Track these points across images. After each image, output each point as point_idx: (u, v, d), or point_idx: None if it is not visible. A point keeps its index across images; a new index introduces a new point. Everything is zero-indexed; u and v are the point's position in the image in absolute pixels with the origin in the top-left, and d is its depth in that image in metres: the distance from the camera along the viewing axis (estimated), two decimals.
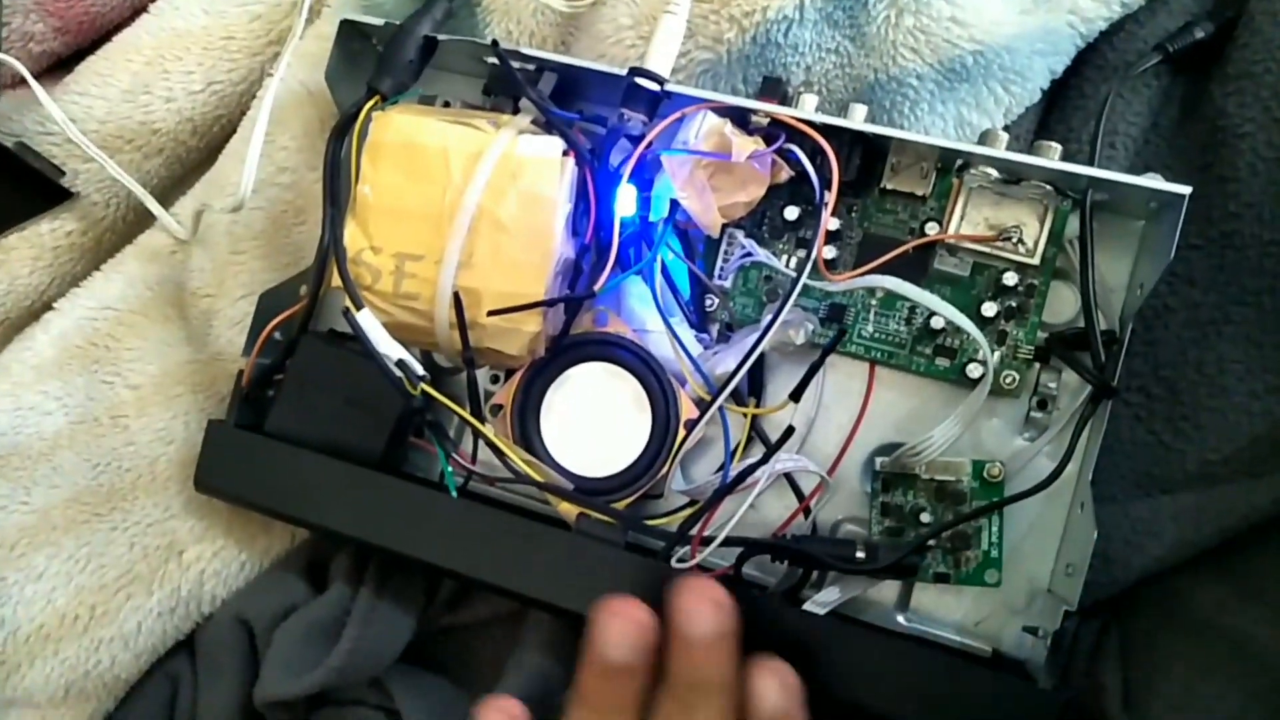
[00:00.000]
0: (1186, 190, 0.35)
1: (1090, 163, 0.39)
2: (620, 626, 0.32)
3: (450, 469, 0.39)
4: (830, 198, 0.36)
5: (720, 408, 0.37)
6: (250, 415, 0.42)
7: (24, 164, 0.46)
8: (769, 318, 0.36)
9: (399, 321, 0.39)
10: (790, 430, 0.35)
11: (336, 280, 0.39)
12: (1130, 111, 0.42)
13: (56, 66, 0.51)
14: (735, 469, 0.37)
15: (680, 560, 0.36)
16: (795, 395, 0.37)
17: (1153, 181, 0.36)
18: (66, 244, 0.48)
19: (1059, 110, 0.43)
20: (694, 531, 0.36)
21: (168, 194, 0.49)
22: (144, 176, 0.48)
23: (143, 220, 0.49)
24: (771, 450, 0.35)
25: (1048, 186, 0.38)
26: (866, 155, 0.39)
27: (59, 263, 0.48)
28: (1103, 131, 0.40)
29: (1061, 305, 0.40)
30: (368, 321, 0.38)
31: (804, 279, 0.36)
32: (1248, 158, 0.40)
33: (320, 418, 0.41)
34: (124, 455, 0.44)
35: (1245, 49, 0.41)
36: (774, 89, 0.40)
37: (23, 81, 0.46)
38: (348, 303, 0.38)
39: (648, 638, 0.33)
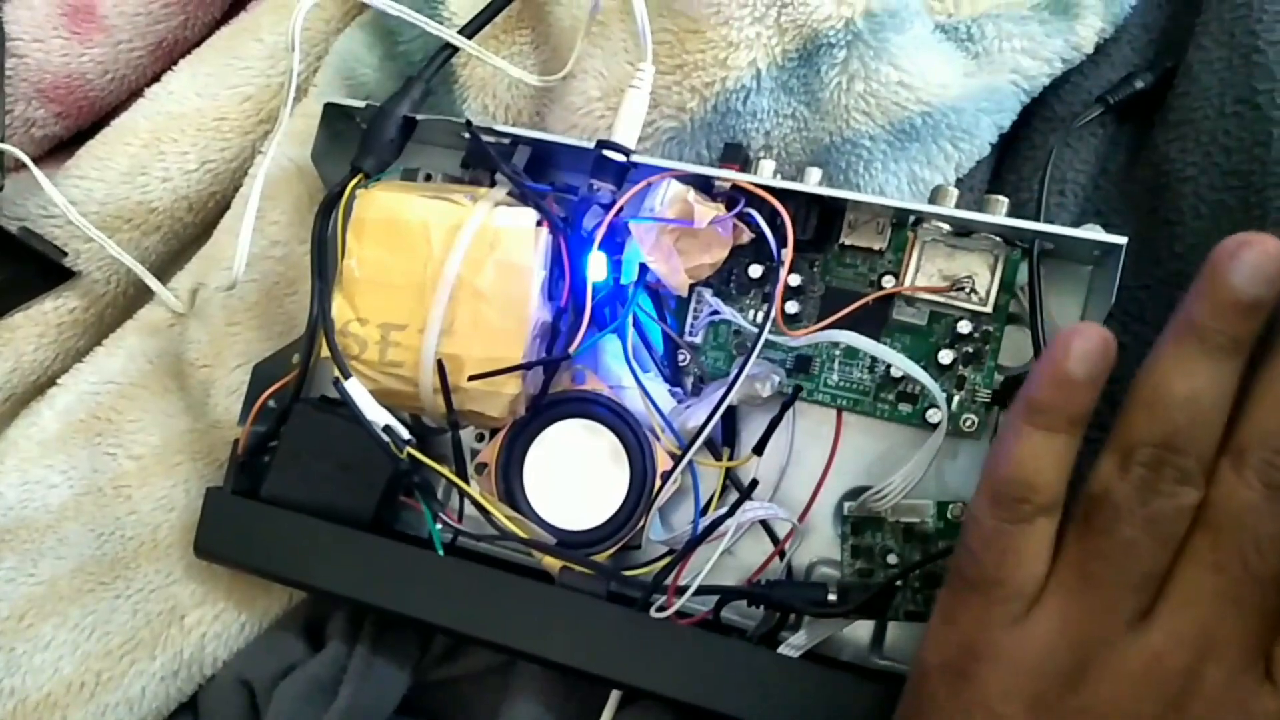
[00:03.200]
0: (1123, 240, 0.37)
1: (1037, 214, 0.41)
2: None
3: (438, 528, 0.41)
4: (787, 258, 0.38)
5: (690, 460, 0.38)
6: (247, 481, 0.44)
7: (27, 246, 0.49)
8: (735, 372, 0.38)
9: (385, 388, 0.41)
10: (754, 483, 0.37)
11: (326, 351, 0.41)
12: (1078, 160, 0.44)
13: (57, 149, 0.54)
14: (708, 519, 0.38)
15: (659, 609, 0.38)
16: (759, 449, 0.38)
17: (1091, 233, 0.38)
18: (69, 320, 0.50)
19: (1010, 161, 0.45)
20: (669, 581, 0.38)
21: (165, 269, 0.51)
22: (142, 254, 0.50)
23: (142, 295, 0.51)
24: (738, 502, 0.37)
25: (997, 238, 0.40)
26: (825, 213, 0.41)
27: (62, 339, 0.50)
28: (1049, 181, 0.42)
29: (1017, 349, 0.41)
30: (355, 390, 0.40)
31: (765, 335, 0.38)
32: (1190, 201, 0.42)
33: (313, 482, 0.43)
34: (127, 524, 0.46)
35: (1184, 97, 0.43)
36: (735, 154, 0.43)
37: (24, 166, 0.48)
38: (336, 372, 0.40)
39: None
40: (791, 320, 0.42)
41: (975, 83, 0.42)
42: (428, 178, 0.48)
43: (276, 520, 0.42)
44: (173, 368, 0.49)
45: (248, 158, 0.51)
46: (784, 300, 0.39)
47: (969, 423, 0.40)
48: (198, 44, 0.52)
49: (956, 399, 0.39)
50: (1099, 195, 0.45)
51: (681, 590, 0.37)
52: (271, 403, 0.45)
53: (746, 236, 0.41)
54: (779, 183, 0.40)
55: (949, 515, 0.40)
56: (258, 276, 0.48)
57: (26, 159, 0.48)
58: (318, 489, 0.42)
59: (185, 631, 0.45)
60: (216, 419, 0.47)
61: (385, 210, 0.41)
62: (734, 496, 0.42)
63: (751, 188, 0.40)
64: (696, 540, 0.38)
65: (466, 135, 0.44)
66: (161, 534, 0.46)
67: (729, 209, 0.40)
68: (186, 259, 0.51)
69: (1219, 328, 0.31)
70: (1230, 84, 0.42)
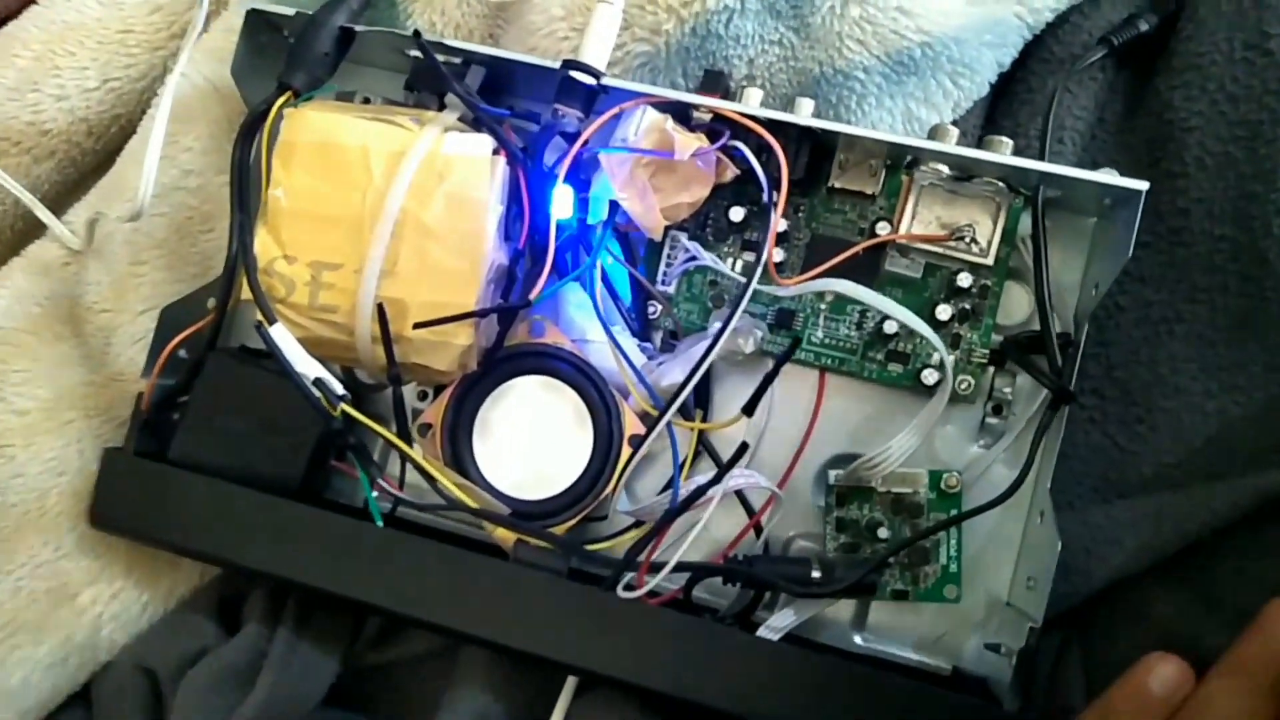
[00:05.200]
0: (1144, 186, 0.34)
1: (1040, 158, 0.38)
2: None
3: (374, 496, 0.36)
4: (780, 198, 0.34)
5: (667, 421, 0.34)
6: (152, 442, 0.39)
7: None
8: (717, 326, 0.34)
9: (316, 336, 0.36)
10: (744, 447, 0.33)
11: (247, 292, 0.36)
12: (1077, 106, 0.41)
13: None
14: (688, 488, 0.34)
15: (627, 588, 0.34)
16: (748, 409, 0.34)
17: (1108, 177, 0.34)
18: None
19: (1005, 105, 0.42)
20: (642, 557, 0.33)
21: (60, 201, 0.45)
22: (34, 182, 0.44)
23: (32, 230, 0.45)
24: (725, 468, 0.33)
25: (999, 184, 0.37)
26: (813, 153, 0.37)
27: None
28: (1051, 126, 0.39)
29: (1014, 306, 0.38)
30: (282, 337, 0.35)
31: (754, 284, 0.33)
32: (1195, 152, 0.39)
33: (231, 443, 0.37)
34: (9, 489, 0.40)
35: (1189, 41, 0.40)
36: (715, 83, 0.38)
37: None
38: (260, 317, 0.35)
39: None
40: (776, 270, 0.37)
41: (979, 12, 0.39)
42: (365, 101, 0.42)
43: (186, 486, 0.37)
44: (66, 312, 0.43)
45: (157, 77, 0.45)
46: (774, 245, 0.35)
47: (964, 385, 0.37)
48: None
49: (950, 359, 0.36)
50: (1095, 145, 0.42)
51: (656, 568, 0.33)
52: (182, 352, 0.40)
53: (730, 173, 0.37)
54: (770, 112, 0.36)
55: (942, 486, 0.36)
56: (167, 210, 0.43)
57: None
58: (236, 450, 0.37)
59: (77, 613, 0.39)
60: (117, 370, 0.41)
61: (318, 132, 0.36)
62: (707, 462, 0.38)
63: (740, 118, 0.35)
64: (676, 511, 0.34)
65: (413, 53, 0.39)
66: (50, 501, 0.40)
67: (711, 142, 0.36)
68: (85, 190, 0.45)
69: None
70: (1239, 28, 0.39)
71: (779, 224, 0.37)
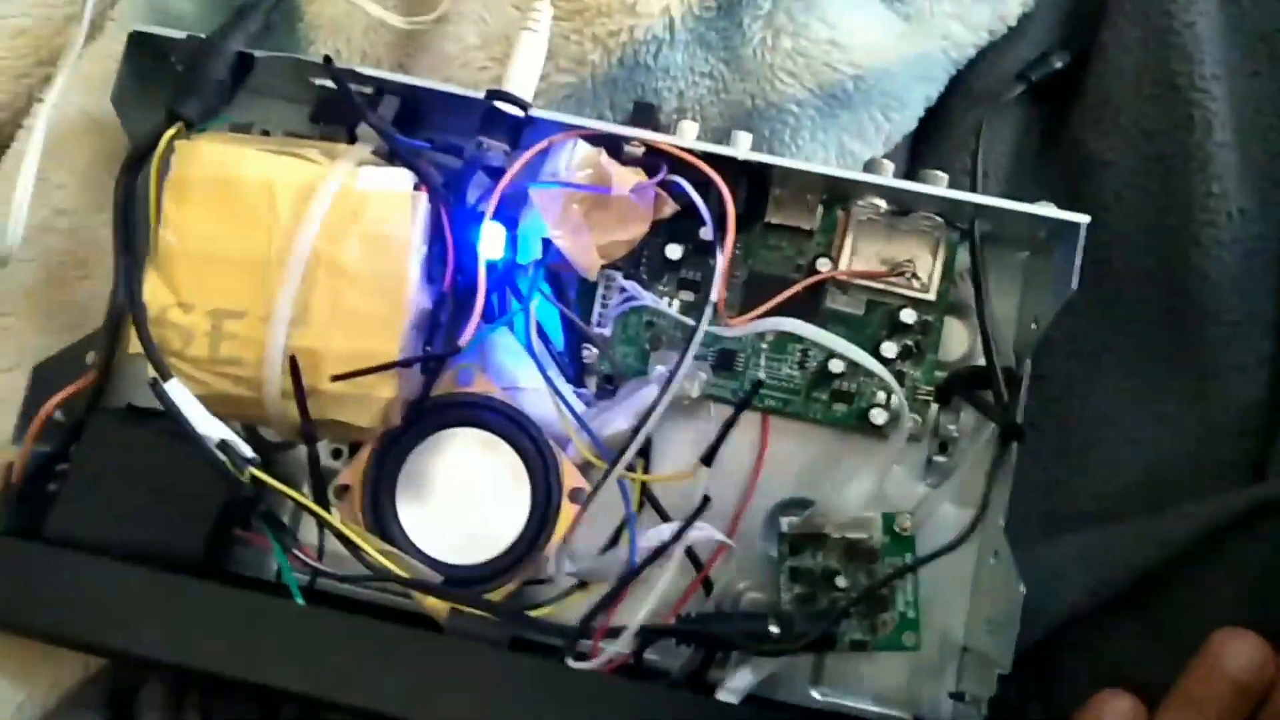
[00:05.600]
0: (1084, 219, 0.34)
1: (973, 191, 0.37)
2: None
3: (290, 570, 0.33)
4: (728, 234, 0.33)
5: (618, 475, 0.32)
6: (25, 517, 0.34)
7: None
8: (659, 369, 0.32)
9: (218, 392, 0.32)
10: (706, 500, 0.31)
11: (135, 345, 0.32)
12: (998, 140, 0.41)
13: None
14: (647, 547, 0.32)
15: (578, 657, 0.31)
16: (707, 459, 0.32)
17: (1049, 210, 0.34)
18: None
19: (927, 139, 0.42)
20: (596, 624, 0.31)
21: None
22: None
23: None
24: (687, 523, 0.31)
25: (936, 218, 0.36)
26: (749, 188, 0.36)
27: None
28: (981, 160, 0.39)
29: (953, 342, 0.38)
30: (179, 394, 0.31)
31: (704, 326, 0.32)
32: (1113, 186, 0.40)
33: (119, 515, 0.33)
34: None
35: (1101, 78, 0.41)
36: (646, 116, 0.37)
37: None
38: (152, 372, 0.31)
39: None
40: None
41: (908, 47, 0.39)
42: (265, 134, 0.39)
43: (66, 566, 0.33)
44: None
45: (22, 108, 0.41)
46: (725, 286, 0.33)
47: (911, 424, 0.36)
48: None
49: (904, 399, 0.35)
50: (1015, 180, 0.42)
51: (613, 633, 0.31)
52: (58, 414, 0.35)
53: (669, 209, 0.35)
54: (710, 147, 0.34)
55: (895, 529, 0.35)
56: (36, 254, 0.38)
57: None
58: (125, 524, 0.33)
59: None
60: None
61: (215, 166, 0.33)
62: (649, 514, 0.36)
63: (678, 152, 0.34)
64: (634, 572, 0.31)
65: (319, 81, 0.36)
66: None
67: (648, 177, 0.34)
68: None
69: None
70: (1147, 65, 0.40)
71: (722, 260, 0.35)
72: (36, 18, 0.41)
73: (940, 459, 0.37)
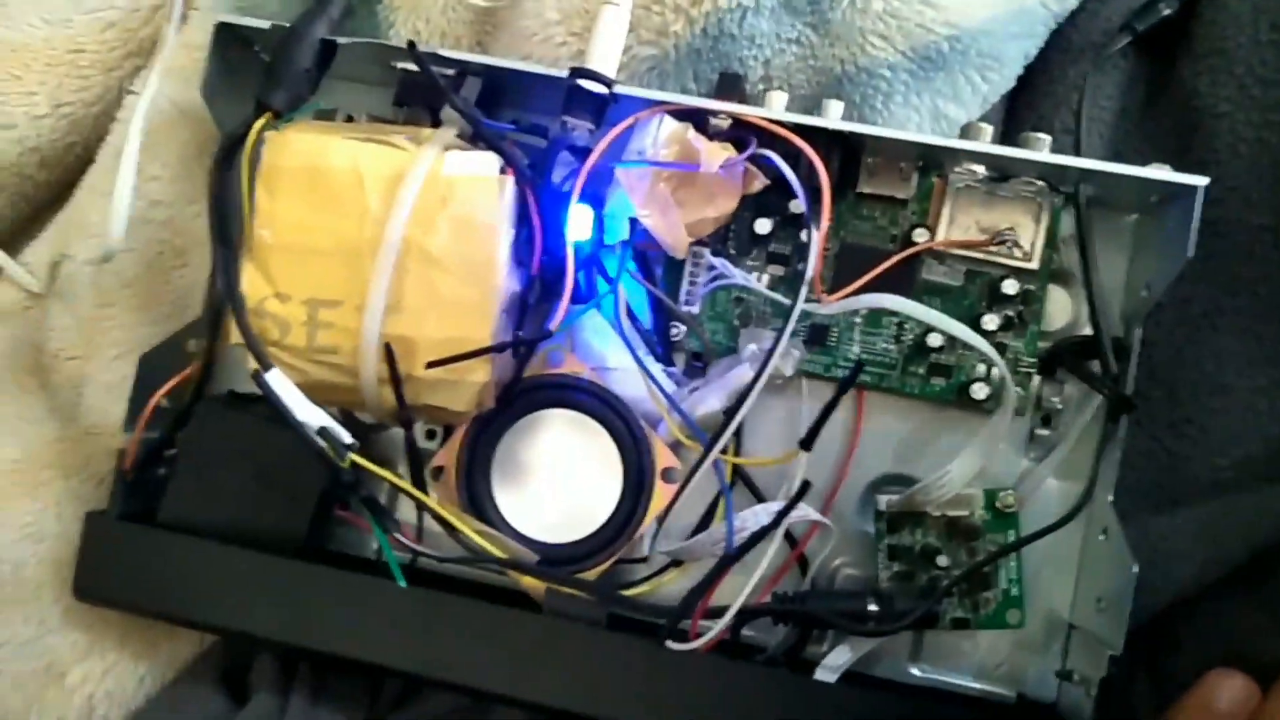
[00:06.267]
0: (1203, 181, 0.32)
1: (1075, 153, 0.36)
2: None
3: (391, 551, 0.33)
4: (824, 208, 0.32)
5: (715, 458, 0.32)
6: (138, 502, 0.35)
7: None
8: (750, 347, 0.32)
9: (316, 380, 0.32)
10: (806, 486, 0.31)
11: (235, 335, 0.32)
12: (1101, 96, 0.39)
13: None
14: (745, 529, 0.32)
15: (675, 637, 0.31)
16: (806, 443, 0.32)
17: (1163, 173, 0.32)
18: None
19: (1025, 99, 0.40)
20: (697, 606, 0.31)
21: (15, 239, 0.42)
22: None
23: None
24: (788, 507, 0.31)
25: (1039, 183, 0.35)
26: (842, 158, 0.35)
27: None
28: (1084, 118, 0.37)
29: (1056, 311, 0.36)
30: (279, 383, 0.32)
31: (800, 304, 0.31)
32: (1227, 139, 0.37)
33: (226, 499, 0.34)
34: None
35: (1212, 25, 0.39)
36: (732, 87, 0.36)
37: None
38: (253, 362, 0.32)
39: None
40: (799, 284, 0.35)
41: (1004, 2, 0.37)
42: (350, 119, 0.39)
43: (179, 550, 0.34)
44: (31, 361, 0.39)
45: (114, 100, 0.42)
46: (821, 261, 0.32)
47: (1015, 398, 0.35)
48: None
49: (1008, 373, 0.33)
50: (1120, 136, 0.40)
51: (711, 613, 0.31)
52: (165, 402, 0.36)
53: (759, 184, 0.34)
54: (800, 117, 0.33)
55: (998, 505, 0.34)
56: (136, 245, 0.39)
57: None
58: (232, 508, 0.34)
59: (68, 692, 0.36)
60: (92, 424, 0.38)
61: (305, 156, 0.33)
62: (742, 494, 0.35)
63: (767, 124, 0.33)
64: (734, 556, 0.31)
65: (401, 65, 0.36)
66: (29, 572, 0.36)
67: (736, 150, 0.34)
68: (41, 226, 0.41)
69: None
70: (1263, 9, 0.38)
71: (818, 235, 0.34)
72: (124, 9, 0.42)
73: (1044, 432, 0.36)
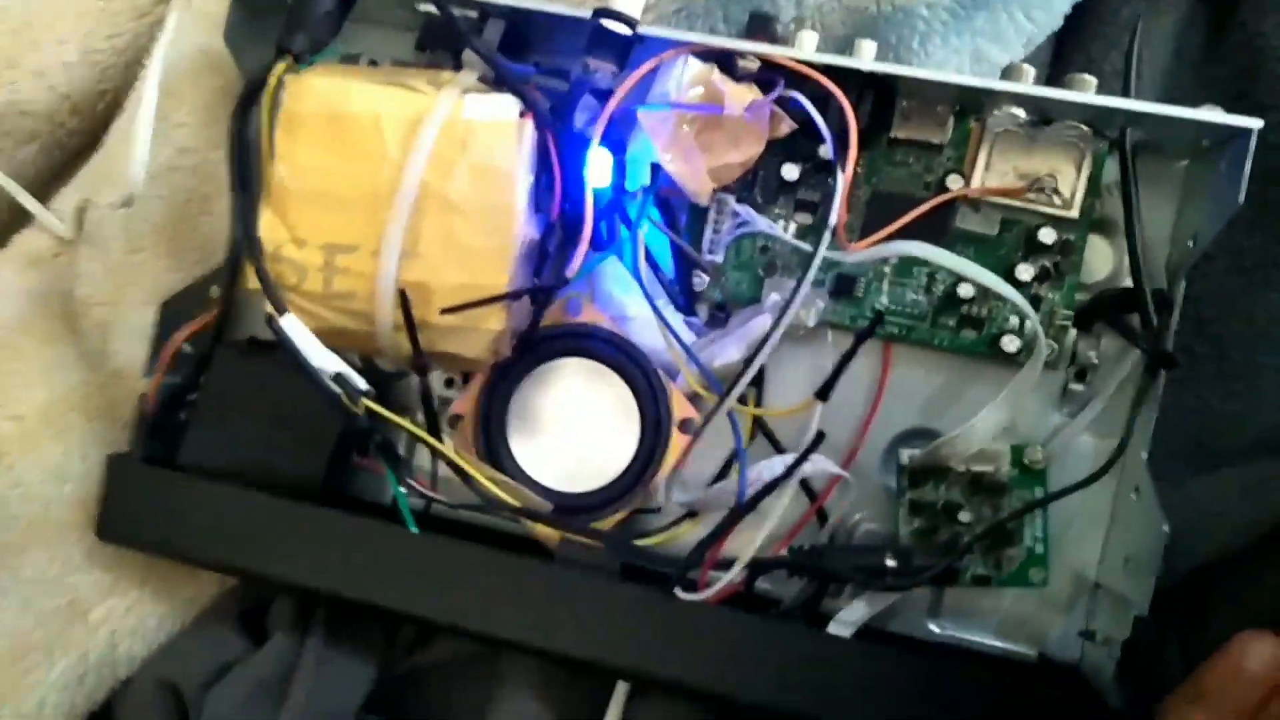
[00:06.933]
0: (1256, 124, 0.30)
1: (1125, 94, 0.34)
2: None
3: (405, 498, 0.33)
4: (850, 153, 0.31)
5: (729, 408, 0.31)
6: (160, 445, 0.36)
7: None
8: (773, 297, 0.31)
9: (332, 326, 0.32)
10: (820, 437, 0.30)
11: (253, 280, 0.32)
12: (1156, 37, 0.38)
13: None
14: (757, 480, 0.31)
15: (686, 587, 0.31)
16: (823, 393, 0.31)
17: (1214, 114, 0.31)
18: None
19: (1073, 40, 0.38)
20: (705, 556, 0.30)
21: (46, 186, 0.42)
22: (17, 167, 0.41)
23: (18, 219, 0.41)
24: (799, 459, 0.30)
25: (1082, 127, 0.33)
26: (874, 101, 0.34)
27: None
28: (1136, 60, 0.35)
29: (1097, 262, 0.35)
30: (295, 328, 0.32)
31: (822, 252, 0.30)
32: None
33: (245, 443, 0.35)
34: (10, 500, 0.37)
35: None
36: (762, 28, 0.35)
37: None
38: (269, 307, 0.32)
39: None
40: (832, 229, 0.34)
41: None
42: (372, 64, 0.39)
43: (199, 492, 0.34)
44: (59, 307, 0.40)
45: (144, 46, 0.42)
46: (845, 209, 0.31)
47: (1048, 351, 0.33)
48: None
49: (1040, 327, 0.32)
50: (1173, 80, 0.38)
51: (721, 565, 0.30)
52: (187, 347, 0.37)
53: (786, 127, 0.33)
54: (829, 58, 0.32)
55: (1025, 461, 0.33)
56: (163, 192, 0.39)
57: None
58: (250, 451, 0.34)
59: (91, 629, 0.37)
60: (117, 368, 0.38)
61: (324, 101, 0.33)
62: (761, 445, 0.35)
63: (795, 65, 0.32)
64: (746, 508, 0.30)
65: (423, 8, 0.35)
66: (54, 511, 0.37)
67: (763, 93, 0.32)
68: (73, 173, 0.42)
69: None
70: None
71: (843, 181, 0.33)
72: None
73: (1077, 387, 0.34)
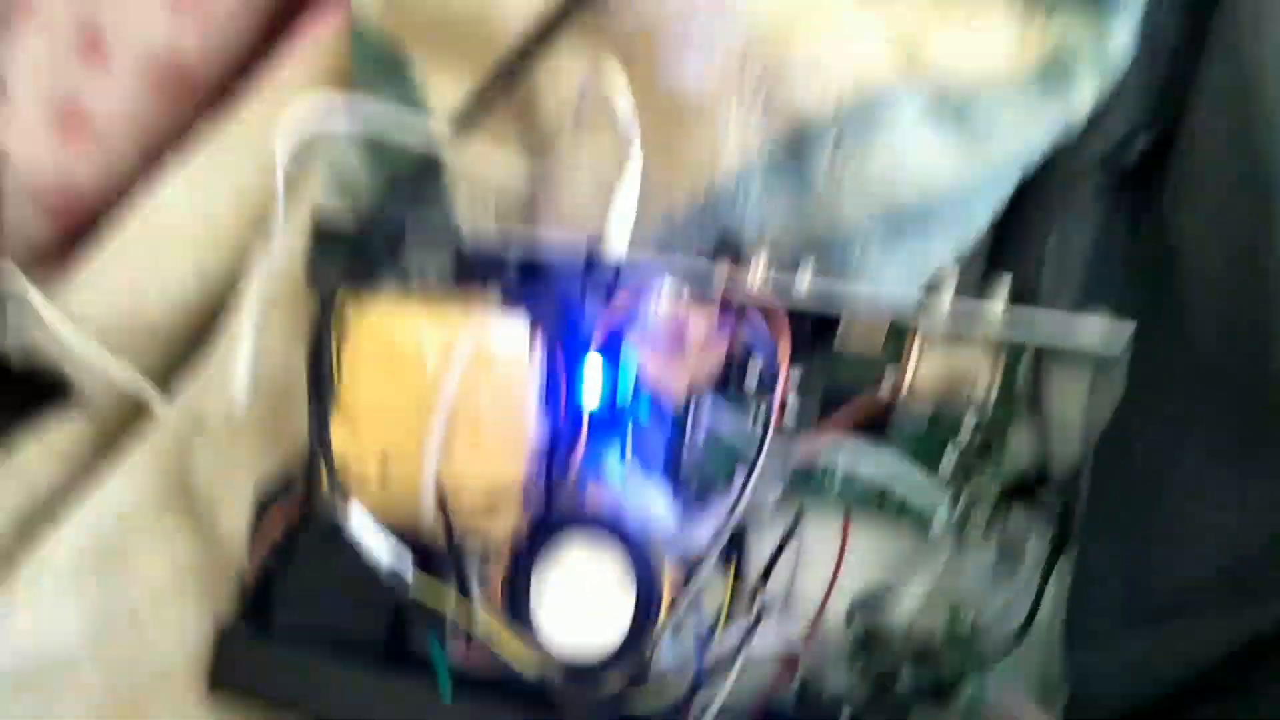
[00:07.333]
0: (1128, 329, 0.36)
1: (1035, 298, 0.39)
2: None
3: (444, 663, 0.40)
4: (782, 372, 0.37)
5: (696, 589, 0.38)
6: (258, 611, 0.44)
7: (28, 367, 0.49)
8: (735, 494, 0.38)
9: (388, 516, 0.40)
10: (759, 618, 0.36)
11: (324, 481, 0.40)
12: (1078, 233, 0.43)
13: (52, 259, 0.53)
14: (719, 639, 0.37)
15: None
16: (765, 576, 0.38)
17: (1092, 325, 0.36)
18: (75, 443, 0.50)
19: (1008, 232, 0.44)
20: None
21: (167, 384, 0.51)
22: (144, 369, 0.50)
23: (146, 414, 0.50)
24: (745, 637, 0.36)
25: (999, 326, 0.39)
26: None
27: (69, 463, 0.50)
28: (1049, 258, 0.41)
29: (1022, 448, 0.40)
30: (358, 520, 0.40)
31: (763, 457, 0.37)
32: (1196, 280, 0.39)
33: (325, 611, 0.42)
34: (141, 661, 0.46)
35: (1184, 159, 0.41)
36: (729, 247, 0.42)
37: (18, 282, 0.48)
38: (338, 507, 0.40)
39: None
40: (790, 427, 0.40)
41: (970, 163, 0.41)
42: (422, 276, 0.47)
43: (290, 652, 0.42)
44: (180, 490, 0.48)
45: (242, 271, 0.51)
46: (782, 412, 0.38)
47: (974, 529, 0.39)
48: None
49: (960, 506, 0.38)
50: (1103, 270, 0.43)
51: None
52: (279, 527, 0.45)
53: (745, 337, 0.40)
54: (773, 284, 0.39)
55: (958, 630, 0.39)
56: (261, 391, 0.48)
57: (25, 280, 0.48)
58: (329, 619, 0.42)
59: None
60: (225, 545, 0.47)
61: (378, 331, 0.41)
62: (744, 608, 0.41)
63: (750, 287, 0.39)
64: (700, 678, 0.37)
65: (455, 245, 0.43)
66: (175, 669, 0.45)
67: (725, 309, 0.40)
68: (188, 373, 0.51)
69: None
70: (1235, 143, 0.40)
71: (785, 391, 0.39)
72: (254, 189, 0.50)
73: (1005, 563, 0.39)
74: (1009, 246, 0.43)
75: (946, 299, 0.38)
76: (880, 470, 0.36)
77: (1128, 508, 0.40)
